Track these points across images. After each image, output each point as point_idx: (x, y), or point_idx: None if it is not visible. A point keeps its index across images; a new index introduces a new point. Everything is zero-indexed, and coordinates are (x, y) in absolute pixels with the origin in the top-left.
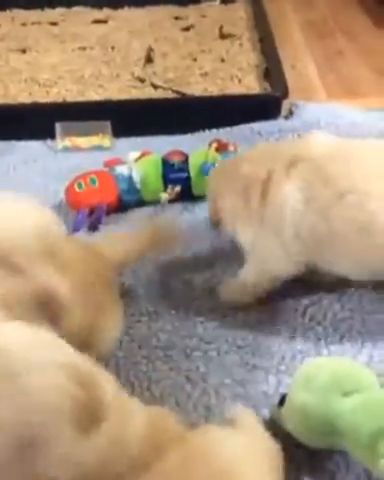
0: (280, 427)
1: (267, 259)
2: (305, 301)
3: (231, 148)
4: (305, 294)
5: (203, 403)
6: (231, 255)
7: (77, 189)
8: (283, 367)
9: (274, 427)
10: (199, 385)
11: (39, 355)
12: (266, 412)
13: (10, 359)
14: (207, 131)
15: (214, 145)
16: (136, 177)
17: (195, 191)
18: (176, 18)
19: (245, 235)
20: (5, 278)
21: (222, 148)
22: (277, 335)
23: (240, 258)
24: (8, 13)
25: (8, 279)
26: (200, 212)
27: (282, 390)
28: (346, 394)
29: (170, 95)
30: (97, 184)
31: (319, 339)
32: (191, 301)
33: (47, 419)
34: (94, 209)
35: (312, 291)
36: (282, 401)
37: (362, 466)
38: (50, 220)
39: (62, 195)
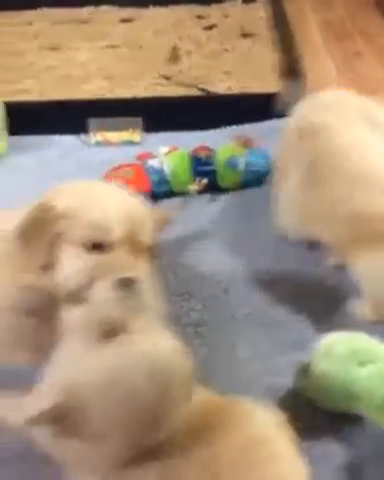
0: (302, 393)
1: None
2: (327, 284)
3: (255, 144)
4: (327, 278)
5: (232, 374)
6: (256, 242)
7: (113, 180)
8: (305, 342)
9: (297, 393)
10: (228, 358)
11: (176, 361)
12: (289, 381)
13: (161, 364)
14: (230, 127)
15: (239, 140)
16: (167, 170)
17: (221, 183)
18: (199, 17)
19: None
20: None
21: (246, 143)
22: (300, 314)
23: (264, 246)
24: (39, 11)
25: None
26: (225, 202)
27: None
28: (362, 364)
29: (195, 92)
30: (131, 176)
31: (339, 318)
32: (218, 283)
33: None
34: None
35: (333, 276)
36: (304, 371)
37: (376, 427)
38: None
39: None
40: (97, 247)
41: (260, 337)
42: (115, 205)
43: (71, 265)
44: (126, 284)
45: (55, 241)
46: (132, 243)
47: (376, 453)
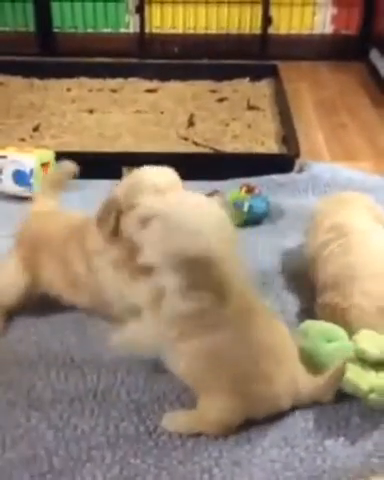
0: None
1: None
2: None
3: (257, 191)
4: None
5: None
6: (252, 266)
7: None
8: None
9: None
10: None
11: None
12: None
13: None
14: (236, 179)
15: (244, 188)
16: None
17: None
18: (213, 91)
19: None
20: None
21: (250, 191)
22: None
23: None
24: (76, 80)
25: None
26: None
27: None
28: (328, 341)
29: (208, 151)
30: None
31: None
32: None
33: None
34: None
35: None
36: None
37: None
38: None
39: None
40: None
41: None
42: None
43: None
44: None
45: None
46: None
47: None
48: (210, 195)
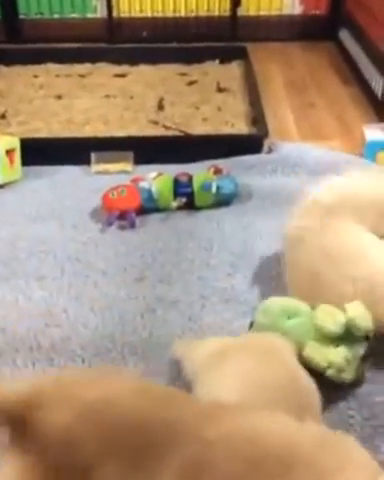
0: None
1: None
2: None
3: (224, 172)
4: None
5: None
6: (221, 247)
7: (111, 196)
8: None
9: None
10: (199, 324)
11: None
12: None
13: None
14: (206, 161)
15: (212, 169)
16: (154, 190)
17: (197, 202)
18: (182, 74)
19: None
20: None
21: (218, 172)
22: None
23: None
24: (43, 66)
25: None
26: (199, 217)
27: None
28: (289, 317)
29: (178, 134)
30: (125, 194)
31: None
32: (192, 273)
33: None
34: (123, 212)
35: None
36: (251, 325)
37: None
38: None
39: (97, 203)
40: None
41: (223, 309)
42: None
43: None
44: None
45: None
46: None
47: None
48: (158, 176)
